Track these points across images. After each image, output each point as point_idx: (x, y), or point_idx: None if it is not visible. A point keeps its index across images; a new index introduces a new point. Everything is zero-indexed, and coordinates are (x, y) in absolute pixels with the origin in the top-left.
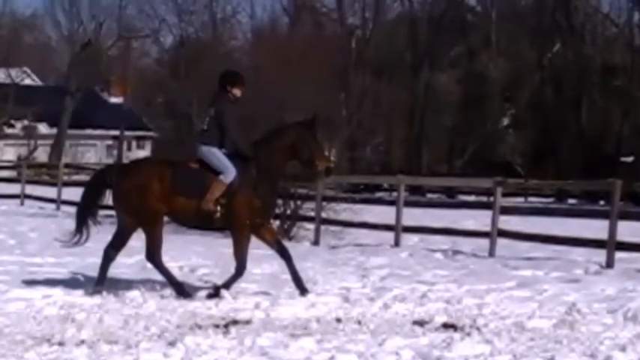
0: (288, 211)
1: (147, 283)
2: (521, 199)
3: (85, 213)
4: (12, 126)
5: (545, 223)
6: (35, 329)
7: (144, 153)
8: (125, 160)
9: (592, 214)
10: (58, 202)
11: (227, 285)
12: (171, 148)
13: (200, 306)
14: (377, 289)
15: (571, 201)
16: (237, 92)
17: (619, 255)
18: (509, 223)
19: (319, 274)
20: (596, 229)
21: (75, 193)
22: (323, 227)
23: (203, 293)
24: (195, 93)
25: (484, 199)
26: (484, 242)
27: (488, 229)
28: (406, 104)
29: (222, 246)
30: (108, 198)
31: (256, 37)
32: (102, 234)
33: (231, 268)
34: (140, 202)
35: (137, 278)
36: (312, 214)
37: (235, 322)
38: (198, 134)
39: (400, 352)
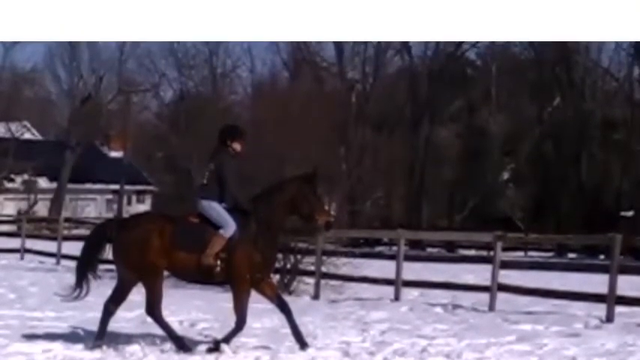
0: (288, 265)
1: (147, 338)
2: (521, 254)
3: (85, 267)
4: (12, 180)
5: (545, 278)
6: None
7: (144, 207)
8: (125, 215)
9: (592, 268)
10: (58, 256)
11: (227, 339)
12: (171, 202)
13: None
14: (377, 344)
15: (571, 255)
16: (237, 147)
17: (619, 309)
18: (509, 277)
19: (319, 328)
20: (596, 283)
21: (75, 248)
22: (323, 281)
23: (203, 347)
24: (195, 147)
25: (484, 253)
26: (484, 296)
27: (488, 283)
28: (406, 158)
29: (222, 300)
30: (108, 252)
31: (256, 91)
32: (102, 288)
33: (231, 322)
34: (140, 256)
35: (137, 332)
36: (312, 268)
37: None
38: (198, 188)
39: None
